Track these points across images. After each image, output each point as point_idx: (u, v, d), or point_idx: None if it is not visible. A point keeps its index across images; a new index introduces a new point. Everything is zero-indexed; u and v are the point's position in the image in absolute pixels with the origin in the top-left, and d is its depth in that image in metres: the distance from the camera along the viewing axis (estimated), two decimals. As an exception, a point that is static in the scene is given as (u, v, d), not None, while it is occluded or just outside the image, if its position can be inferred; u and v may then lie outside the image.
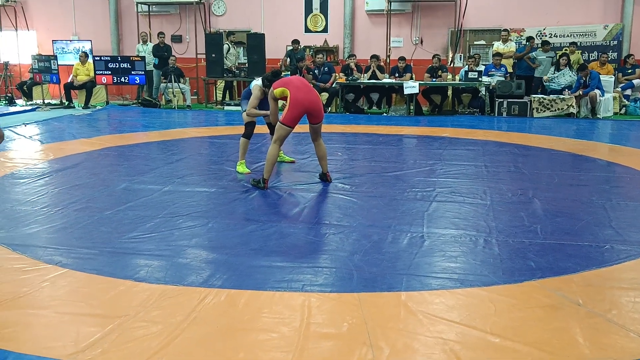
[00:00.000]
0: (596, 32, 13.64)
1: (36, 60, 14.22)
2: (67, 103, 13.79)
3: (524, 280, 3.45)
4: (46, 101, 14.10)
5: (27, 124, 10.51)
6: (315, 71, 12.92)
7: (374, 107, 13.24)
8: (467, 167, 6.80)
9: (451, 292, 3.29)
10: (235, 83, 14.45)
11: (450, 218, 4.75)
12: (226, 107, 13.32)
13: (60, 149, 7.87)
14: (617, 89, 12.66)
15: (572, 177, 6.35)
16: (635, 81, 12.84)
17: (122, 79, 13.71)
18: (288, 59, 13.94)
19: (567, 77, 12.16)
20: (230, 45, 14.26)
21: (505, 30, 13.49)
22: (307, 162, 6.99)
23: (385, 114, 12.62)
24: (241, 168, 6.43)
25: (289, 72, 13.28)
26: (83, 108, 13.34)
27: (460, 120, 11.38)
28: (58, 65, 13.87)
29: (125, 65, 13.63)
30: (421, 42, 14.79)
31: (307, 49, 14.77)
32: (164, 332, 2.79)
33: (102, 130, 10.23)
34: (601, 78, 11.90)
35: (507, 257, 3.83)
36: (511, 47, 13.27)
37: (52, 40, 15.79)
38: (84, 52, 14.29)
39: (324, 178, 6.00)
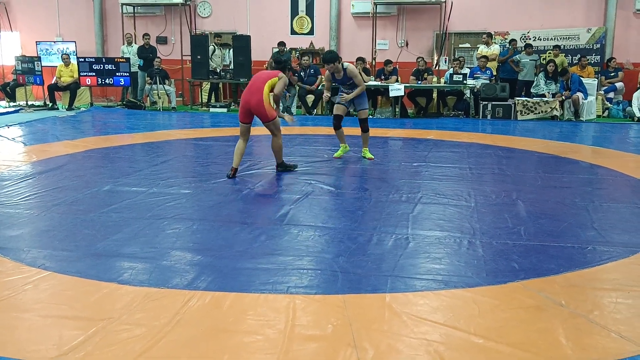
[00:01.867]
0: (579, 35, 13.79)
1: (20, 62, 14.09)
2: (50, 105, 13.68)
3: (508, 282, 3.47)
4: (30, 103, 13.98)
5: (10, 125, 10.41)
6: (301, 73, 12.92)
7: (360, 110, 13.24)
8: (452, 169, 6.84)
9: (435, 294, 3.30)
10: (220, 85, 14.41)
11: (435, 220, 4.77)
12: (212, 109, 13.28)
13: (43, 151, 7.80)
14: (600, 91, 12.80)
15: (555, 179, 6.41)
16: (617, 84, 13.00)
17: (107, 81, 13.63)
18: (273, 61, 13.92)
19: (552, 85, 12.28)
20: (216, 47, 14.23)
21: (488, 33, 13.58)
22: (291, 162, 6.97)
23: (370, 116, 12.63)
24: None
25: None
26: (67, 110, 13.23)
27: (445, 123, 11.44)
28: (42, 66, 13.76)
29: (109, 66, 13.55)
30: (407, 44, 14.86)
31: (293, 51, 14.78)
32: (147, 334, 2.77)
33: (86, 132, 10.16)
34: (584, 81, 12.02)
35: (491, 259, 3.86)
36: (495, 50, 13.36)
37: (36, 42, 15.65)
38: (66, 54, 14.17)
39: (281, 167, 6.55)
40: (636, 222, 4.76)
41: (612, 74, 13.16)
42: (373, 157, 7.41)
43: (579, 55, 13.42)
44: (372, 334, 2.81)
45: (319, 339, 2.77)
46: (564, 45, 13.71)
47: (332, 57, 7.08)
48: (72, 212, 4.87)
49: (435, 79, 13.13)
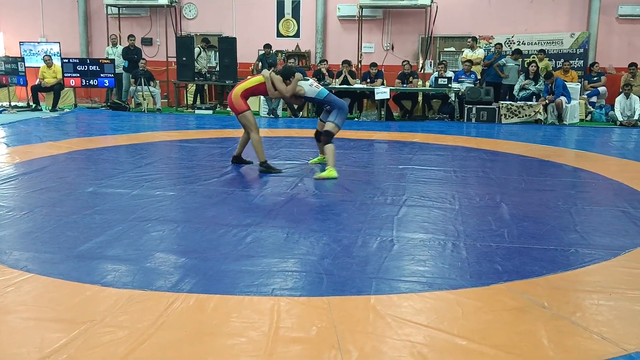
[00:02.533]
0: (563, 40, 13.94)
1: (2, 62, 13.96)
2: (34, 105, 13.56)
3: (491, 284, 3.49)
4: (13, 103, 13.84)
5: (-7, 126, 10.29)
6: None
7: (346, 112, 13.27)
8: (437, 172, 6.87)
9: (419, 296, 3.31)
10: (206, 87, 14.38)
11: (420, 222, 4.79)
12: (197, 111, 13.23)
13: (26, 152, 7.73)
14: (583, 96, 12.93)
15: (538, 182, 6.46)
16: (600, 88, 13.14)
17: (91, 82, 13.55)
18: (260, 63, 13.92)
19: (537, 85, 12.39)
20: (201, 49, 14.19)
21: (472, 37, 13.69)
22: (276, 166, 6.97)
23: (356, 119, 12.69)
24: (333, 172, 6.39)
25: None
26: (51, 111, 13.13)
27: (430, 126, 11.49)
28: (25, 67, 13.65)
29: (94, 67, 13.48)
30: (392, 48, 14.93)
31: (279, 54, 14.77)
32: (131, 337, 2.75)
33: (70, 134, 10.08)
34: (567, 85, 12.14)
35: (475, 261, 3.88)
36: (479, 54, 13.47)
37: (20, 42, 15.53)
38: (48, 55, 14.05)
39: (263, 167, 6.65)
40: (618, 224, 4.81)
41: (595, 79, 13.31)
42: (330, 177, 6.33)
43: (562, 60, 13.56)
44: (356, 336, 2.81)
45: (304, 341, 2.77)
46: (548, 50, 13.84)
47: (287, 74, 6.69)
48: (55, 214, 4.83)
49: (420, 83, 13.19)
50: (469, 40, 13.62)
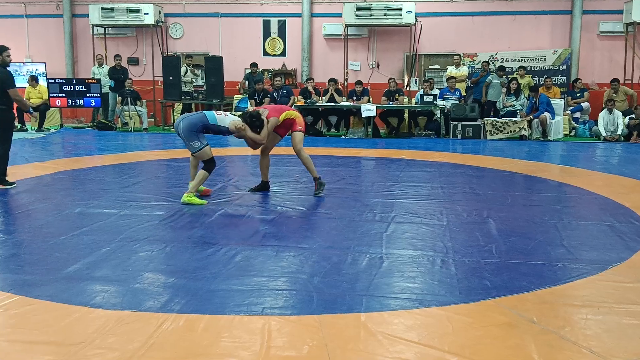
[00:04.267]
0: (546, 56, 14.14)
1: (-13, 83, 13.87)
2: (19, 126, 13.46)
3: (480, 299, 3.51)
4: (-3, 124, 13.74)
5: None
6: (274, 94, 12.97)
7: (333, 130, 13.36)
8: (424, 188, 6.91)
9: (410, 312, 3.32)
10: (193, 105, 14.38)
11: (408, 239, 4.81)
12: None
13: (12, 173, 7.66)
14: (566, 111, 13.09)
15: (524, 197, 6.52)
16: (583, 104, 13.32)
17: (77, 102, 13.51)
18: (246, 82, 13.98)
19: (518, 101, 12.54)
20: (188, 68, 14.22)
21: (457, 55, 13.86)
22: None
23: (343, 137, 12.75)
24: (196, 199, 6.03)
25: (247, 95, 13.34)
26: (36, 131, 13.06)
27: (417, 143, 11.56)
28: (10, 87, 13.56)
29: (80, 87, 13.45)
30: (378, 66, 15.05)
31: (266, 72, 14.84)
32: (121, 359, 2.74)
33: (56, 154, 10.03)
34: (551, 101, 12.29)
35: (464, 277, 3.90)
36: (464, 71, 13.62)
37: (4, 62, 15.45)
38: (32, 75, 14.00)
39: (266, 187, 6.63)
40: (604, 239, 4.85)
41: (578, 94, 13.49)
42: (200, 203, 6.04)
43: (545, 76, 13.74)
44: (348, 354, 2.81)
45: (295, 360, 2.77)
46: (531, 67, 14.03)
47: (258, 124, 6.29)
48: (42, 235, 4.80)
49: (406, 100, 13.30)
50: (456, 57, 13.78)
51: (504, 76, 13.14)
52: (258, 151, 6.64)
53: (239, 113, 7.64)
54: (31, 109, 7.71)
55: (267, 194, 6.50)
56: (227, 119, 6.17)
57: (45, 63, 15.48)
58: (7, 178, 6.83)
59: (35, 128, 13.23)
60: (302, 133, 6.49)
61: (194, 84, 14.39)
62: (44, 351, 2.84)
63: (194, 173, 6.41)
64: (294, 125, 6.45)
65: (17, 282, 3.74)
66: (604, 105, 12.46)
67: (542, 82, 13.55)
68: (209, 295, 3.56)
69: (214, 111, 6.30)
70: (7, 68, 6.89)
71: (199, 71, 14.67)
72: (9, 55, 6.90)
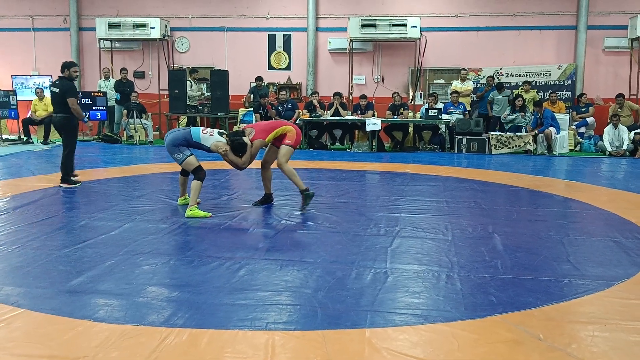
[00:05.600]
0: (551, 71, 14.15)
1: (-6, 95, 13.99)
2: (25, 139, 13.56)
3: (486, 316, 3.48)
4: (4, 137, 13.82)
5: (-17, 159, 10.27)
6: (279, 107, 13.01)
7: (337, 143, 13.38)
8: (429, 202, 6.89)
9: (415, 328, 3.30)
10: (198, 119, 14.43)
11: (413, 254, 4.79)
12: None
13: (17, 186, 7.70)
14: (571, 126, 13.08)
15: (530, 212, 6.49)
16: (589, 119, 13.31)
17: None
18: (252, 96, 14.03)
19: (522, 118, 12.54)
20: (193, 82, 14.27)
21: (463, 69, 13.89)
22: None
23: (348, 150, 12.76)
24: (199, 212, 6.04)
25: (252, 109, 13.39)
26: (42, 144, 13.12)
27: (421, 157, 11.56)
28: (17, 100, 13.67)
29: (86, 100, 13.51)
30: (382, 80, 15.09)
31: (271, 86, 14.89)
32: (123, 373, 2.72)
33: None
34: (556, 116, 12.29)
35: (469, 293, 3.88)
36: (469, 85, 13.64)
37: (12, 75, 15.57)
38: (39, 88, 14.09)
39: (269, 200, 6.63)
40: (610, 254, 4.82)
41: (584, 109, 13.49)
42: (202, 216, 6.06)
43: (550, 91, 13.75)
44: (352, 370, 2.79)
45: (299, 376, 2.74)
46: (536, 82, 14.05)
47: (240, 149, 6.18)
48: (46, 248, 4.80)
49: (411, 114, 13.32)
50: (463, 71, 13.81)
51: (504, 90, 13.15)
52: (259, 164, 6.64)
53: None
54: (85, 118, 8.27)
55: (271, 207, 6.49)
56: (211, 138, 6.16)
57: (51, 76, 15.54)
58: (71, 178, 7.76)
59: (41, 141, 13.28)
60: (289, 147, 6.34)
61: (197, 98, 14.40)
62: (47, 365, 2.82)
63: (182, 190, 6.62)
64: (283, 139, 6.35)
65: (20, 295, 3.73)
66: (609, 120, 12.45)
67: (547, 97, 13.56)
68: (213, 309, 3.54)
69: (200, 129, 6.32)
70: (73, 82, 7.92)
71: (203, 85, 14.73)
72: (76, 71, 7.94)
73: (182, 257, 4.64)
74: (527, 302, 3.70)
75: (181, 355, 2.93)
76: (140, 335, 3.15)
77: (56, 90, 7.83)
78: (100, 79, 14.74)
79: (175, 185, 8.18)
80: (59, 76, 7.89)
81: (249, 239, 5.31)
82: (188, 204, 6.19)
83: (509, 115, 12.63)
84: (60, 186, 7.67)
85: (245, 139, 6.10)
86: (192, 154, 6.23)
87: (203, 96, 14.56)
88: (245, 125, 7.08)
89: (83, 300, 3.67)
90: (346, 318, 3.42)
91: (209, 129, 6.34)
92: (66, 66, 7.89)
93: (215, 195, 7.14)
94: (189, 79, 14.18)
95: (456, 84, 13.61)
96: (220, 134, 6.25)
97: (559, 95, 13.75)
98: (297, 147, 6.49)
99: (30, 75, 15.81)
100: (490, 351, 3.03)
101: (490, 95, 13.20)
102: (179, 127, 14.61)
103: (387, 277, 4.16)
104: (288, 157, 6.37)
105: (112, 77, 14.65)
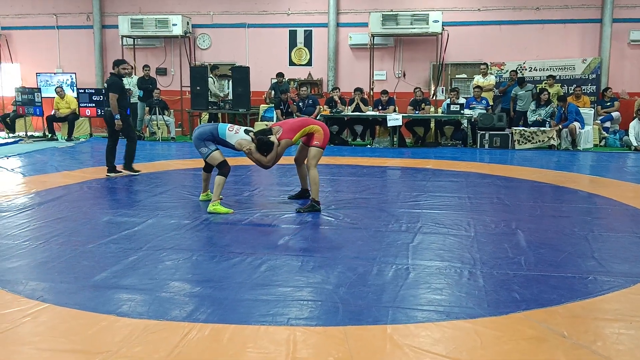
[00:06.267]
0: (575, 65, 13.95)
1: (20, 93, 14.16)
2: (50, 135, 13.73)
3: (509, 312, 3.45)
4: (29, 133, 14.02)
5: (10, 156, 10.43)
6: (300, 103, 13.02)
7: (358, 139, 13.35)
8: (451, 198, 6.84)
9: (437, 325, 3.28)
10: (220, 115, 14.49)
11: (435, 250, 4.76)
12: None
13: (42, 182, 7.81)
14: (596, 121, 12.89)
15: (554, 208, 6.41)
16: (614, 114, 13.10)
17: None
18: (272, 92, 14.05)
19: (547, 111, 12.38)
20: (214, 79, 14.32)
21: (484, 64, 13.75)
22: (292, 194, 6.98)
23: (369, 146, 12.72)
24: (221, 208, 6.08)
25: (273, 105, 13.42)
26: (66, 140, 13.28)
27: (443, 152, 11.49)
28: (42, 97, 13.84)
29: (109, 97, 13.60)
30: (404, 75, 15.00)
31: (292, 82, 14.90)
32: (146, 368, 2.74)
33: (85, 163, 10.16)
34: (581, 111, 12.12)
35: (492, 289, 3.84)
36: (491, 80, 13.51)
37: (36, 73, 15.79)
38: (59, 86, 14.23)
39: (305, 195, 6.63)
40: (636, 251, 4.75)
41: (609, 104, 13.28)
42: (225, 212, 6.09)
43: (574, 85, 13.56)
44: (373, 367, 2.78)
45: (320, 372, 2.74)
46: (560, 76, 13.86)
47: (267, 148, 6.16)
48: (70, 244, 4.86)
49: (432, 109, 13.22)
50: (483, 66, 13.67)
51: (526, 85, 12.99)
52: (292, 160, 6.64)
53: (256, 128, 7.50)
54: (117, 115, 8.59)
55: (293, 204, 6.49)
56: (237, 136, 6.17)
57: (75, 73, 15.76)
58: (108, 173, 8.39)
59: (65, 137, 13.45)
60: (318, 149, 6.20)
61: (219, 95, 14.45)
62: (71, 359, 2.85)
63: (205, 185, 6.68)
64: (311, 140, 6.26)
65: (45, 290, 3.78)
66: (634, 115, 12.25)
67: (572, 91, 13.38)
68: (235, 305, 3.55)
69: (227, 125, 6.33)
70: (122, 79, 8.51)
71: (225, 82, 14.78)
72: (125, 69, 8.48)
73: (204, 252, 4.67)
74: (551, 299, 3.66)
75: (204, 351, 2.95)
76: (163, 330, 3.17)
77: (105, 85, 8.57)
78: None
79: (197, 181, 8.23)
80: (110, 72, 8.53)
81: (271, 235, 5.32)
82: (210, 200, 6.23)
83: (534, 110, 12.43)
84: (107, 176, 8.33)
85: (273, 138, 6.08)
86: (217, 149, 6.25)
87: (223, 94, 14.62)
88: (273, 123, 7.06)
89: (107, 295, 3.71)
90: (368, 314, 3.41)
91: (235, 126, 6.34)
92: (116, 63, 8.49)
93: (236, 192, 7.16)
94: (211, 75, 14.25)
95: (478, 79, 13.48)
96: (247, 131, 6.26)
97: (584, 90, 13.54)
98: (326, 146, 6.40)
99: (55, 73, 16.01)
100: (514, 348, 3.00)
101: (513, 91, 13.05)
102: (200, 123, 14.70)
103: (409, 273, 4.14)
104: (318, 159, 6.27)
105: (135, 74, 14.77)
